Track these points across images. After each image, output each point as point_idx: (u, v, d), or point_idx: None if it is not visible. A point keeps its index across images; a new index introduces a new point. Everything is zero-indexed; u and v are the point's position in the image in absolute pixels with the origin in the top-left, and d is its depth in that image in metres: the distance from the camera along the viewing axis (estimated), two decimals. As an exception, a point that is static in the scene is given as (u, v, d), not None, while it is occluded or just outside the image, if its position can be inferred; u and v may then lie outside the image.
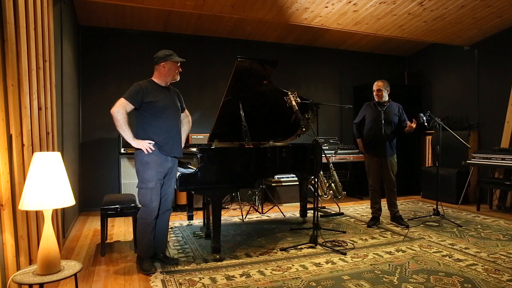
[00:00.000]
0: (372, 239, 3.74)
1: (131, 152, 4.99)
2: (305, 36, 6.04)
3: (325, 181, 5.11)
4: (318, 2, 4.56)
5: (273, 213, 5.00)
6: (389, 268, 2.89)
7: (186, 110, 3.24)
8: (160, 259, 3.05)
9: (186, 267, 2.94)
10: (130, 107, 2.82)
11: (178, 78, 3.03)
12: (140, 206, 2.93)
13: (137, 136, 2.87)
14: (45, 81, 2.81)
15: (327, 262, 3.03)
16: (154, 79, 2.98)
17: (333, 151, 5.84)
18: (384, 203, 4.37)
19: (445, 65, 6.50)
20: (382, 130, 4.16)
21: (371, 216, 4.34)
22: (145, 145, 2.81)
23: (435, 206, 4.57)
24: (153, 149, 2.84)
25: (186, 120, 3.24)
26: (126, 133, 2.77)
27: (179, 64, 3.00)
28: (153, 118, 2.89)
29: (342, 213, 4.94)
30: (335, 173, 5.04)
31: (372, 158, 4.26)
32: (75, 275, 1.97)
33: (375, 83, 4.28)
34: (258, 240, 3.70)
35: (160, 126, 2.89)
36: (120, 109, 2.76)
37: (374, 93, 4.26)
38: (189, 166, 3.81)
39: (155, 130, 2.88)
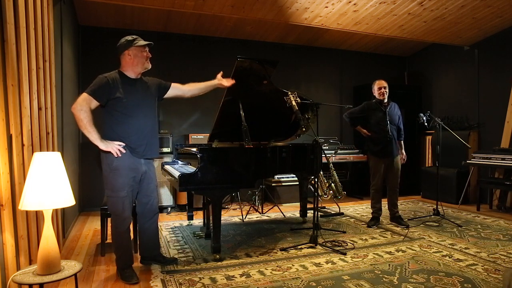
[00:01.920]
0: (372, 239, 3.73)
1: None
2: (305, 36, 6.04)
3: (325, 181, 5.11)
4: (318, 2, 4.56)
5: (273, 213, 5.00)
6: (389, 268, 2.89)
7: (173, 83, 2.92)
8: (158, 260, 2.99)
9: (186, 267, 2.93)
10: (94, 103, 2.48)
11: (149, 66, 2.69)
12: (111, 214, 2.70)
13: (105, 136, 2.55)
14: (45, 81, 2.81)
15: (327, 262, 3.03)
16: (123, 70, 2.66)
17: (333, 151, 5.84)
18: (384, 203, 4.37)
19: (445, 65, 6.50)
20: (388, 132, 4.13)
21: (371, 216, 4.34)
22: (115, 148, 2.51)
23: (435, 206, 4.57)
24: (124, 151, 2.55)
25: (181, 87, 2.92)
26: (92, 134, 2.45)
27: (147, 49, 2.65)
28: (123, 116, 2.57)
29: (342, 213, 4.94)
30: (335, 173, 5.04)
31: (379, 159, 4.21)
32: (75, 275, 1.97)
33: (379, 81, 4.21)
34: (258, 240, 3.70)
35: (131, 125, 2.60)
36: (83, 107, 2.41)
37: (380, 91, 4.16)
38: (189, 166, 3.81)
39: (125, 130, 2.58)
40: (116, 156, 2.53)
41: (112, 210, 2.65)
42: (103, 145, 2.51)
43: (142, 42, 2.62)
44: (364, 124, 4.36)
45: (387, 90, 4.20)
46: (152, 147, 2.75)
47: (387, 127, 4.14)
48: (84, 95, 2.47)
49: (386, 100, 4.22)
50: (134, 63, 2.62)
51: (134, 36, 2.64)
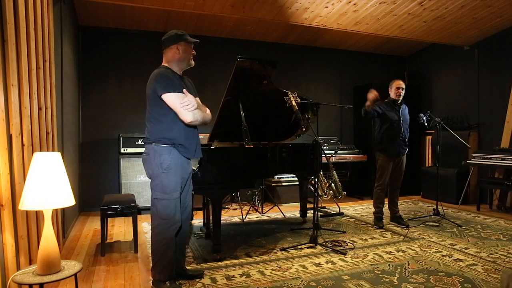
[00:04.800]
0: (372, 239, 3.74)
1: (131, 152, 5.00)
2: (305, 36, 6.04)
3: (325, 181, 5.11)
4: (318, 2, 4.56)
5: (273, 213, 5.00)
6: (389, 268, 2.89)
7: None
8: (185, 275, 2.69)
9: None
10: None
11: (193, 63, 2.59)
12: (156, 218, 2.45)
13: (159, 134, 2.40)
14: (45, 81, 2.81)
15: (327, 262, 3.03)
16: (169, 66, 2.51)
17: (333, 151, 5.85)
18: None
19: (445, 65, 6.50)
20: (402, 131, 4.16)
21: (375, 217, 4.27)
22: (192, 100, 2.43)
23: (435, 206, 4.57)
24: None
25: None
26: (207, 112, 2.56)
27: (192, 47, 2.56)
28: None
29: (342, 213, 4.94)
30: (335, 173, 5.04)
31: (389, 158, 4.18)
32: (75, 275, 1.97)
33: (397, 81, 4.22)
34: (258, 240, 3.70)
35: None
36: (187, 107, 2.38)
37: (398, 91, 4.17)
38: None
39: (182, 127, 2.45)
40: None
41: (163, 214, 2.41)
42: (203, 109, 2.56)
43: (191, 39, 2.53)
44: (377, 123, 4.34)
45: (403, 92, 4.21)
46: (200, 147, 2.64)
47: (401, 126, 4.17)
48: (172, 96, 2.35)
49: (400, 101, 4.23)
50: (182, 58, 2.50)
51: (183, 31, 2.54)
